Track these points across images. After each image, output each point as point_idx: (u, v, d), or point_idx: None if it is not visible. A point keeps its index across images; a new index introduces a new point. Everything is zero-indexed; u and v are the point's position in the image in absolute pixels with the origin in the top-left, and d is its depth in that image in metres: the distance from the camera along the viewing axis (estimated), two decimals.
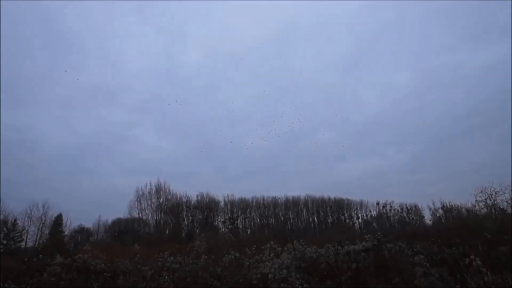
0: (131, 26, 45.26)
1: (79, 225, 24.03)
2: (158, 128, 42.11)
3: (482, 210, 23.33)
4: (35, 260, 3.99)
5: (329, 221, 31.35)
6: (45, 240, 18.67)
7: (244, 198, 30.38)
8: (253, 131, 37.40)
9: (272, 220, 30.40)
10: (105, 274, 3.50)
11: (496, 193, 22.08)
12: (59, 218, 20.52)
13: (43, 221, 19.72)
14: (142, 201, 26.62)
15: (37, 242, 18.81)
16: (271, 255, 3.98)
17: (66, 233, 20.99)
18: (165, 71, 45.85)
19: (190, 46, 48.35)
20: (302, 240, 4.26)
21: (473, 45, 43.79)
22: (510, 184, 21.20)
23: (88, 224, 25.32)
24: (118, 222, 27.03)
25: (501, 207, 21.97)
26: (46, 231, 19.74)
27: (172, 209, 27.16)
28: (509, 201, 21.36)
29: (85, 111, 41.79)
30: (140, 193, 26.81)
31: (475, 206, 23.84)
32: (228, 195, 29.95)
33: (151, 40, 46.20)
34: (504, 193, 21.58)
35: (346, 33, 46.92)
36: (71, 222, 21.07)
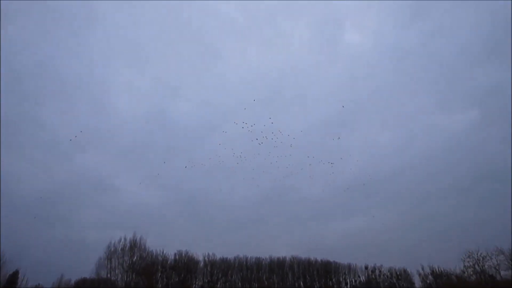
0: (127, 76, 47.59)
1: (36, 286, 21.12)
2: (141, 178, 40.92)
3: (471, 277, 22.63)
4: None
5: (316, 286, 29.13)
6: None
7: (226, 258, 28.34)
8: (239, 184, 36.96)
9: (255, 285, 27.91)
10: None
11: (483, 258, 21.83)
12: (14, 276, 18.12)
13: None
14: (113, 259, 24.17)
15: None
16: None
17: None
18: (156, 119, 46.86)
19: (183, 97, 50.57)
20: None
21: (448, 109, 48.29)
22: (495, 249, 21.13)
23: (47, 284, 22.28)
24: (82, 283, 24.00)
25: (490, 273, 21.47)
26: None
27: (146, 269, 24.66)
28: (497, 267, 20.96)
29: (67, 157, 40.62)
30: (112, 249, 24.53)
31: (464, 273, 23.19)
32: (208, 254, 27.92)
33: (145, 90, 48.21)
34: (491, 258, 21.36)
35: (334, 97, 50.83)
36: (27, 282, 18.57)
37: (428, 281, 26.02)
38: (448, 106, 48.36)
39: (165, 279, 25.82)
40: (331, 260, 30.45)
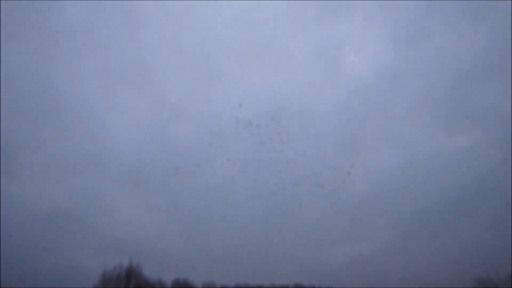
0: (126, 98, 47.70)
1: None
2: (140, 203, 40.08)
3: None
4: None
5: None
6: None
7: (226, 287, 27.07)
8: (241, 206, 36.12)
9: None
10: None
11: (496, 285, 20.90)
12: None
13: None
14: None
15: None
16: None
17: None
18: (156, 143, 46.48)
19: (185, 120, 50.46)
20: None
21: (450, 131, 48.24)
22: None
23: None
24: None
25: None
26: None
27: None
28: None
29: (64, 179, 39.79)
30: (107, 278, 23.44)
31: None
32: (208, 282, 26.70)
33: (145, 113, 48.12)
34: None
35: (337, 115, 50.49)
36: None
37: None
38: (450, 127, 48.42)
39: None
40: (336, 287, 29.15)
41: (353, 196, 40.45)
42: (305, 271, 37.27)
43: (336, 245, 37.20)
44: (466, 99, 48.76)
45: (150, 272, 25.46)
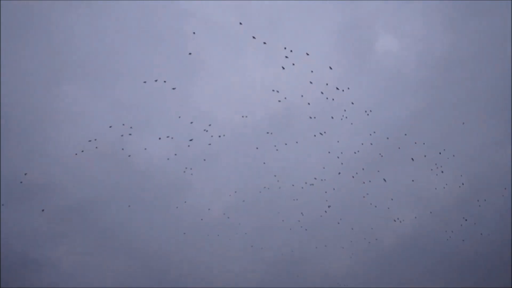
0: (76, 99, 37.08)
1: None
2: (90, 244, 29.77)
3: None
4: None
5: None
6: None
7: None
8: (231, 250, 27.71)
9: None
10: None
11: None
12: None
13: None
14: None
15: None
16: None
17: None
18: (115, 165, 34.76)
19: (152, 134, 39.39)
20: None
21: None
22: None
23: None
24: None
25: None
26: None
27: None
28: None
29: None
30: None
31: None
32: None
33: (102, 117, 36.74)
34: None
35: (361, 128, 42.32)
36: None
37: None
38: None
39: None
40: None
41: (388, 236, 32.50)
42: None
43: None
44: None
45: None
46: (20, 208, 22.94)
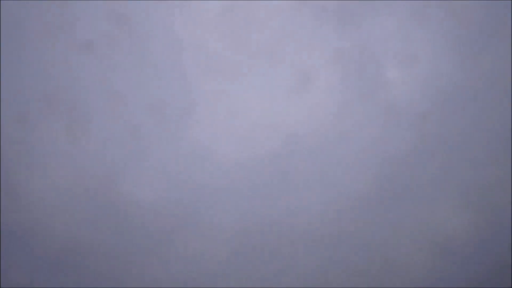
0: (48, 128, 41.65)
1: None
2: None
3: None
4: None
5: None
6: None
7: None
8: None
9: None
10: None
11: None
12: None
13: None
14: None
15: None
16: None
17: None
18: (98, 209, 39.80)
19: (141, 174, 44.46)
20: None
21: None
22: None
23: None
24: None
25: None
26: None
27: None
28: None
29: None
30: None
31: None
32: None
33: (80, 157, 41.36)
34: None
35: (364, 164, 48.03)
36: None
37: None
38: None
39: None
40: None
41: None
42: None
43: None
44: None
45: None
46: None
